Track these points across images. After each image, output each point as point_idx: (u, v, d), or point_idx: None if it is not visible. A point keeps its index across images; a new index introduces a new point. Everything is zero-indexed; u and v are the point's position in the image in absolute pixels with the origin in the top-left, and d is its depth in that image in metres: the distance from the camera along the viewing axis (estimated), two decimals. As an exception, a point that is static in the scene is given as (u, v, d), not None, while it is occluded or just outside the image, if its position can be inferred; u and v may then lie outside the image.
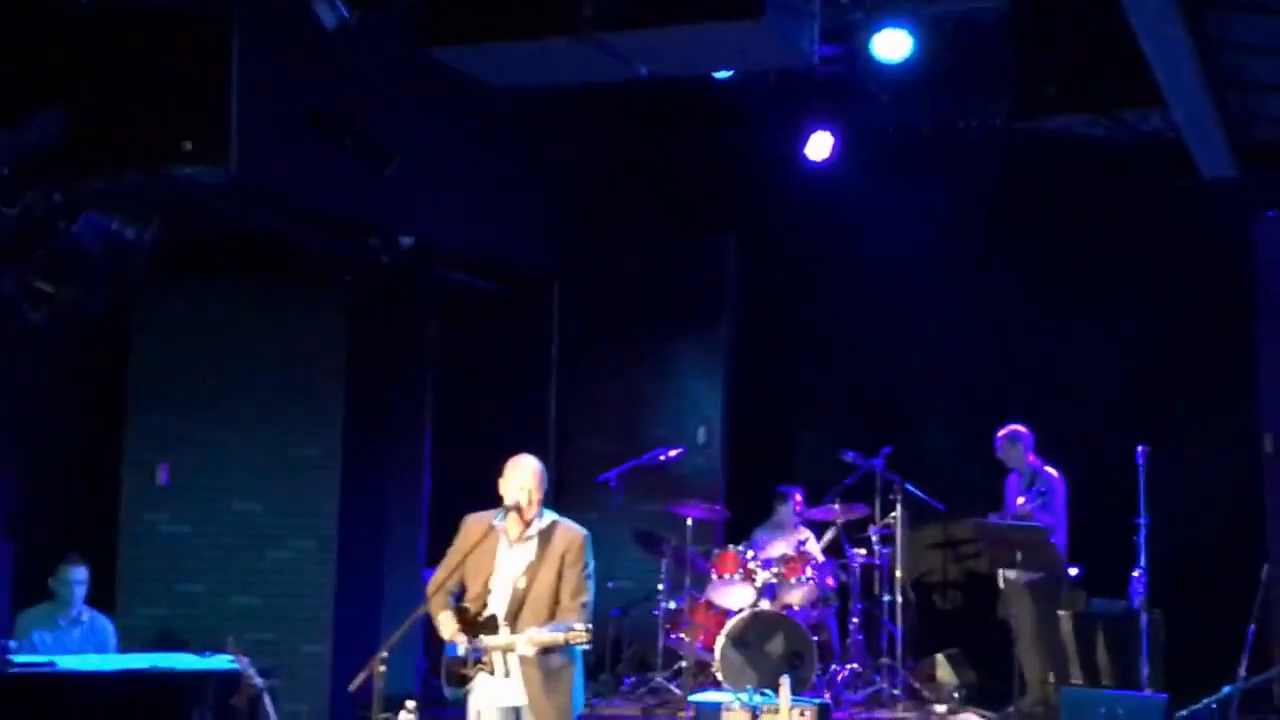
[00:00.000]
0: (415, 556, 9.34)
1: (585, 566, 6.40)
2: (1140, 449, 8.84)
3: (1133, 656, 9.03)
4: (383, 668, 5.88)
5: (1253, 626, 9.44)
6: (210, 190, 7.45)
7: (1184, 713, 6.34)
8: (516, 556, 6.42)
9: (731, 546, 9.89)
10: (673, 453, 10.18)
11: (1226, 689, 6.08)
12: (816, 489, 10.36)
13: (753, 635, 9.35)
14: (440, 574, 6.50)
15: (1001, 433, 9.68)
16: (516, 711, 6.43)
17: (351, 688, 5.94)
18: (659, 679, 9.81)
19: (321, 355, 9.22)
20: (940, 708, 9.57)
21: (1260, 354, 10.21)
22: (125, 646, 8.33)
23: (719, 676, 9.25)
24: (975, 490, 10.14)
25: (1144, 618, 8.92)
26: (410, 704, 6.08)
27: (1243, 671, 6.77)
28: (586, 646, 6.21)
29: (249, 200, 7.98)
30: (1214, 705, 6.05)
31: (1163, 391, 10.49)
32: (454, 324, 10.33)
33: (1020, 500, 9.45)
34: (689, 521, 10.00)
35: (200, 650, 7.49)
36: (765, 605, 9.54)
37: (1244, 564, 9.92)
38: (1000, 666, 9.58)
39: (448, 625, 6.35)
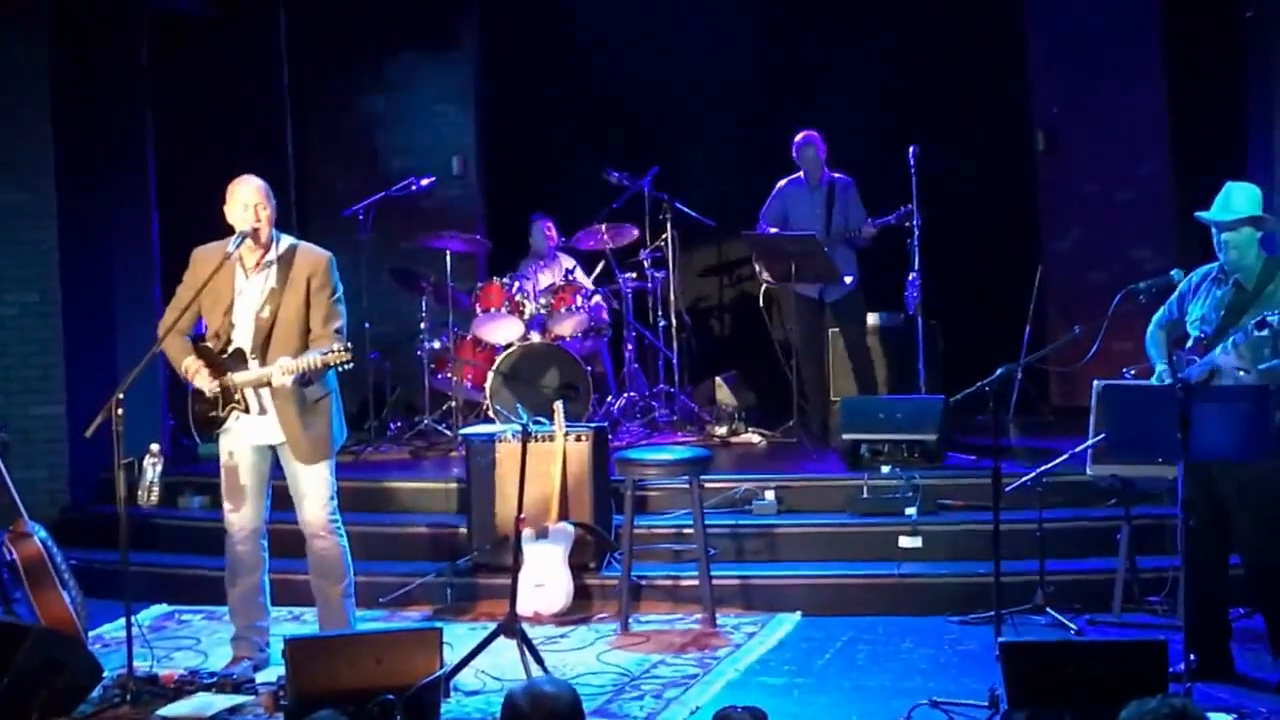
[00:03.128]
0: (150, 305, 9.11)
1: (334, 290, 6.36)
2: (911, 149, 9.10)
3: (911, 364, 9.46)
4: (120, 410, 5.83)
5: (1028, 328, 10.01)
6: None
7: (959, 395, 6.69)
8: (256, 285, 6.34)
9: (496, 279, 9.85)
10: (424, 182, 10.00)
11: (1000, 369, 6.41)
12: (584, 213, 10.33)
13: (524, 370, 9.42)
14: (170, 315, 6.37)
15: (800, 137, 9.61)
16: (273, 450, 6.46)
17: (87, 433, 5.91)
18: (427, 421, 9.85)
19: (22, 89, 8.79)
20: (720, 429, 9.80)
21: (1031, 50, 10.54)
22: None
23: (490, 415, 9.33)
24: (745, 206, 10.28)
25: (919, 321, 9.31)
26: (155, 447, 6.07)
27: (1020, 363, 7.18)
28: (349, 366, 6.19)
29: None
30: (987, 387, 6.37)
31: (936, 92, 10.74)
32: (174, 53, 9.92)
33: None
34: (448, 255, 9.89)
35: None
36: (535, 338, 9.62)
37: (1020, 266, 10.44)
38: (778, 386, 9.93)
39: (194, 369, 6.27)
